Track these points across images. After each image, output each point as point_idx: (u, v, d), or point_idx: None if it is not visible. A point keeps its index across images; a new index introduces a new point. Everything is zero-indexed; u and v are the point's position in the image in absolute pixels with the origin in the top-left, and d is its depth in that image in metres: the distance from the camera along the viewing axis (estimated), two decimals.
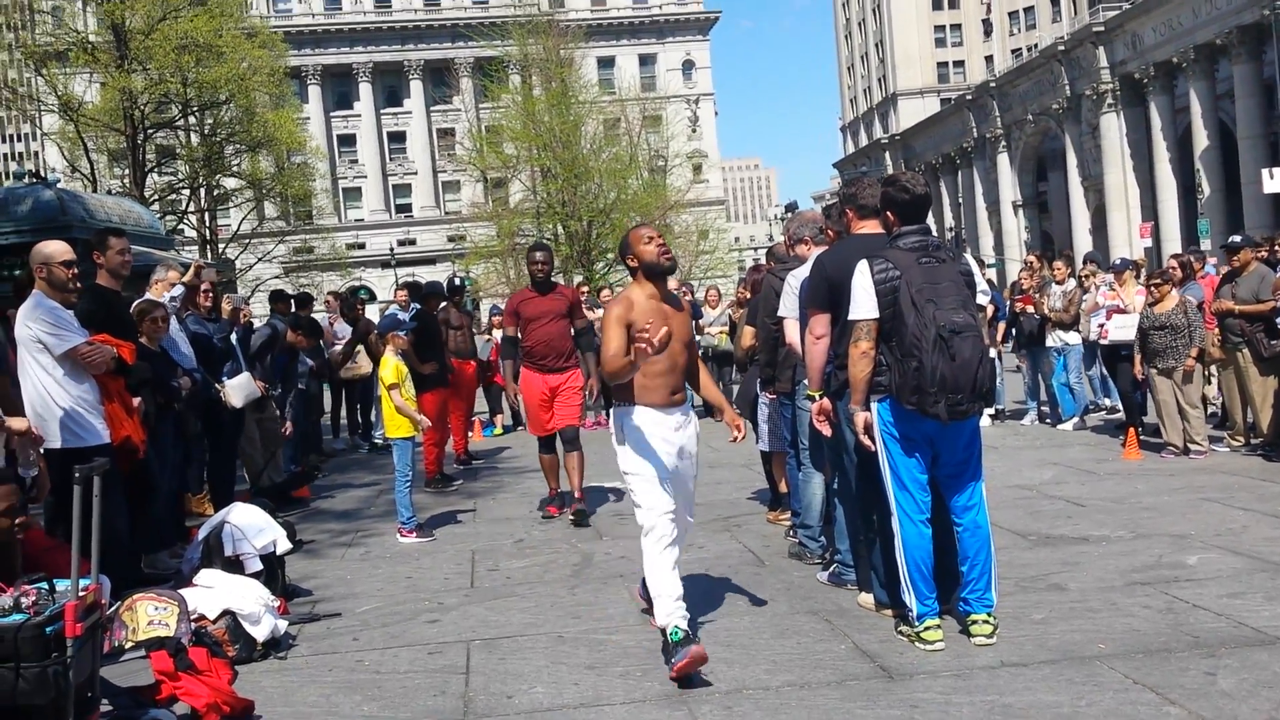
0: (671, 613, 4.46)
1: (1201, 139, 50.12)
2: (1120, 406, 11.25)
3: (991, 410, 12.10)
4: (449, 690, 4.45)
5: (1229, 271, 9.51)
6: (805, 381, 5.59)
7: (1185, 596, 5.15)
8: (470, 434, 12.65)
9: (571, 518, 7.85)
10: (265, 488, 8.97)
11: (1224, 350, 9.43)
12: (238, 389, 8.45)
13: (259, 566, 5.65)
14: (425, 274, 47.68)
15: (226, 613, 4.88)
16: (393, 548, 7.42)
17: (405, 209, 68.95)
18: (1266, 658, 4.28)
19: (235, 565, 5.60)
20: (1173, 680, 4.09)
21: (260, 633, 4.91)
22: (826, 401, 5.20)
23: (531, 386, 8.07)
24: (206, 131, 37.59)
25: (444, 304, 11.70)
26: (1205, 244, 37.42)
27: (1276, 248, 9.91)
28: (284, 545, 5.88)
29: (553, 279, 8.39)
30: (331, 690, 4.52)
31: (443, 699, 4.36)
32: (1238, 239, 9.92)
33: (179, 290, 8.14)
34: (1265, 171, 40.08)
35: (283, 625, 5.14)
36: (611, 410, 4.95)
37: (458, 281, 13.51)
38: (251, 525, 5.76)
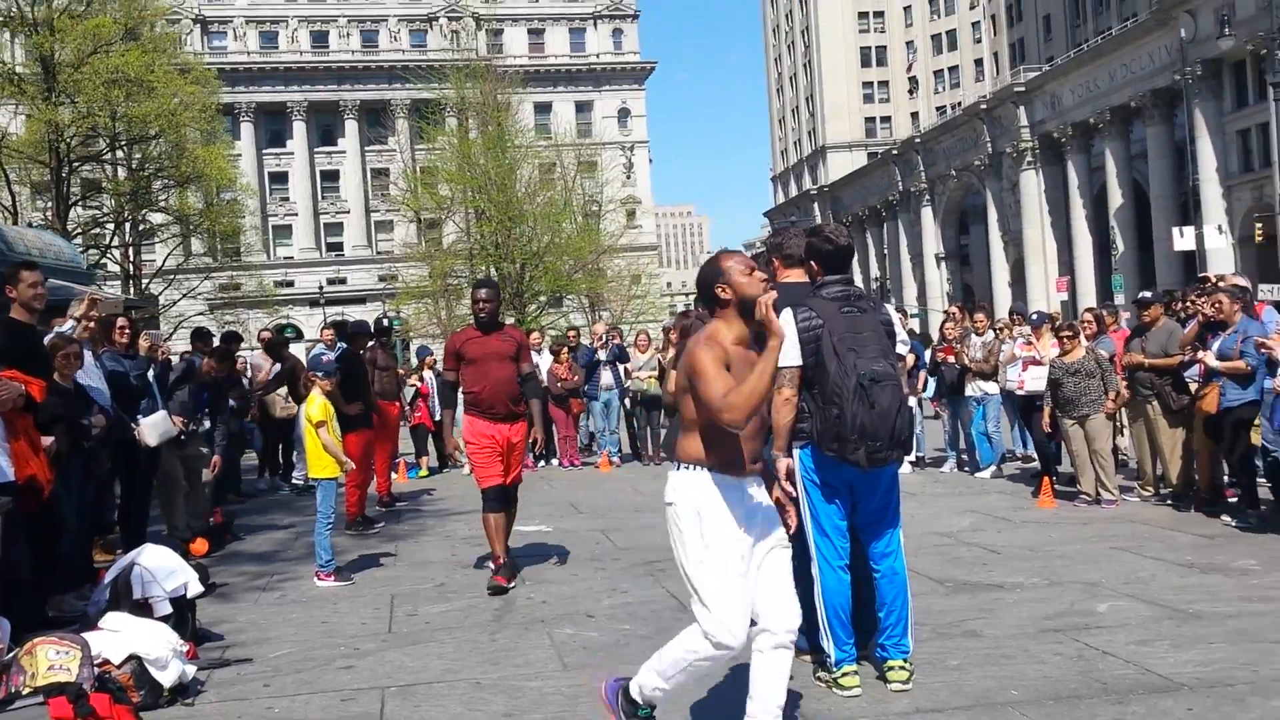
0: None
1: (1116, 197, 51.91)
2: (1036, 456, 11.50)
3: (912, 457, 12.31)
4: None
5: (1138, 326, 9.82)
6: None
7: (1096, 644, 5.25)
8: (395, 475, 12.48)
9: (491, 588, 6.97)
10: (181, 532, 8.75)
11: (1134, 403, 9.71)
12: (153, 427, 8.26)
13: (168, 610, 5.48)
14: (356, 313, 47.15)
15: (132, 657, 4.73)
16: (310, 591, 7.26)
17: (337, 247, 68.34)
18: (1171, 704, 4.38)
19: (144, 609, 5.43)
20: None
21: (167, 678, 4.77)
22: None
23: (481, 436, 7.26)
24: (134, 166, 36.98)
25: (371, 344, 11.58)
26: (1120, 299, 38.60)
27: (1186, 304, 10.25)
28: (195, 588, 5.72)
29: (499, 318, 7.69)
30: None
31: None
32: (1148, 294, 10.27)
33: (69, 325, 7.90)
34: (1176, 230, 41.62)
35: (191, 670, 5.00)
36: (676, 478, 3.91)
37: (386, 322, 13.30)
38: (162, 567, 5.60)
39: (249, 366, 14.06)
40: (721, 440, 3.72)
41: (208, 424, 10.11)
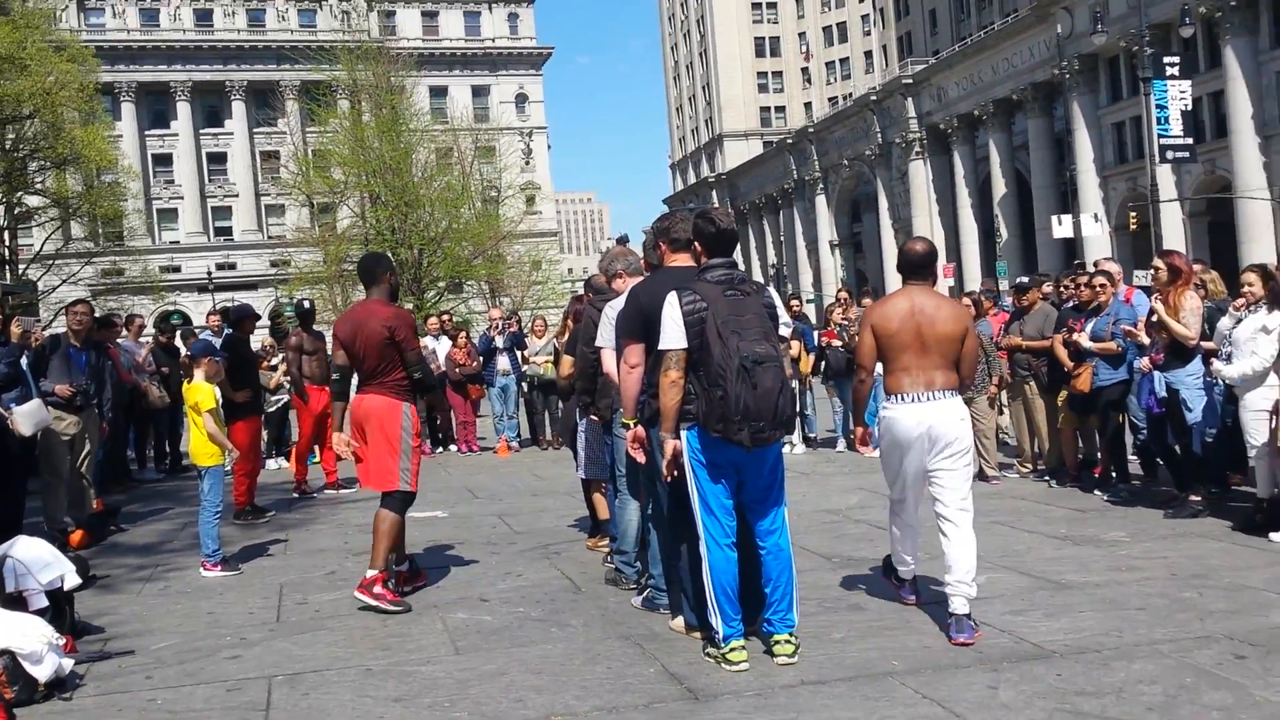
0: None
1: (1000, 186, 53.64)
2: None
3: (798, 437, 12.58)
4: None
5: (1018, 309, 10.18)
6: (621, 410, 5.69)
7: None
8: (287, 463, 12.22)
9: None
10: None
11: (1012, 383, 10.08)
12: (27, 416, 7.97)
13: (44, 603, 5.31)
14: (246, 299, 45.92)
15: (4, 652, 4.56)
16: (195, 582, 7.09)
17: (225, 232, 66.47)
18: (1043, 670, 4.58)
19: (18, 602, 5.24)
20: (958, 694, 4.33)
21: (42, 673, 4.62)
22: (641, 429, 5.29)
23: None
24: (7, 146, 35.39)
25: (296, 328, 11.47)
26: (1003, 284, 39.85)
27: (1063, 288, 10.66)
28: (73, 580, 5.54)
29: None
30: None
31: None
32: (1025, 280, 10.65)
33: None
34: (1055, 218, 43.18)
35: (68, 664, 4.85)
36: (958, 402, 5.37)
37: (307, 304, 12.44)
38: (37, 559, 5.41)
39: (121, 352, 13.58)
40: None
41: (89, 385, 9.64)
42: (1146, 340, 8.09)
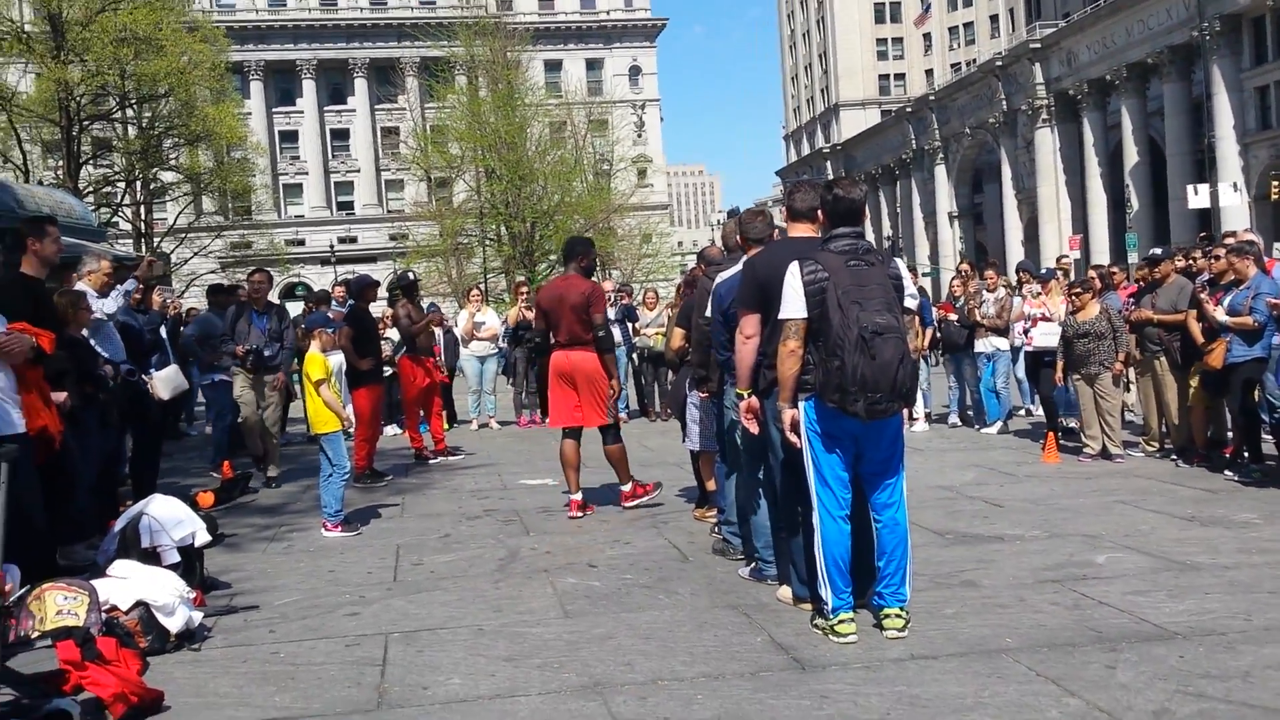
0: None
1: (1132, 155, 51.39)
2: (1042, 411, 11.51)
3: (921, 413, 12.33)
4: (364, 681, 4.44)
5: (1150, 282, 9.77)
6: (733, 381, 5.67)
7: (1092, 594, 5.29)
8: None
9: None
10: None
11: (1141, 359, 9.69)
12: (165, 381, 8.36)
13: (176, 559, 5.58)
14: (366, 271, 47.18)
15: (140, 604, 4.81)
16: (316, 541, 7.36)
17: (347, 206, 68.27)
18: (1164, 651, 4.43)
19: (152, 557, 5.53)
20: (1074, 673, 4.21)
21: (174, 624, 4.85)
22: (755, 400, 5.27)
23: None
24: (144, 124, 36.96)
25: (403, 301, 11.68)
26: (1133, 257, 38.34)
27: (1193, 260, 10.20)
28: (203, 538, 5.82)
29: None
30: (244, 681, 4.50)
31: (357, 690, 4.35)
32: (1158, 251, 10.22)
33: (130, 284, 8.11)
34: (1190, 188, 41.30)
35: (198, 617, 5.08)
36: None
37: (411, 276, 12.80)
38: (170, 517, 5.69)
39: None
40: None
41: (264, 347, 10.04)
42: None
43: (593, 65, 69.60)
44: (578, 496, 7.93)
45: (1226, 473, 8.44)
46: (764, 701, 4.06)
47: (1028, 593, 5.38)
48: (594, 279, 8.30)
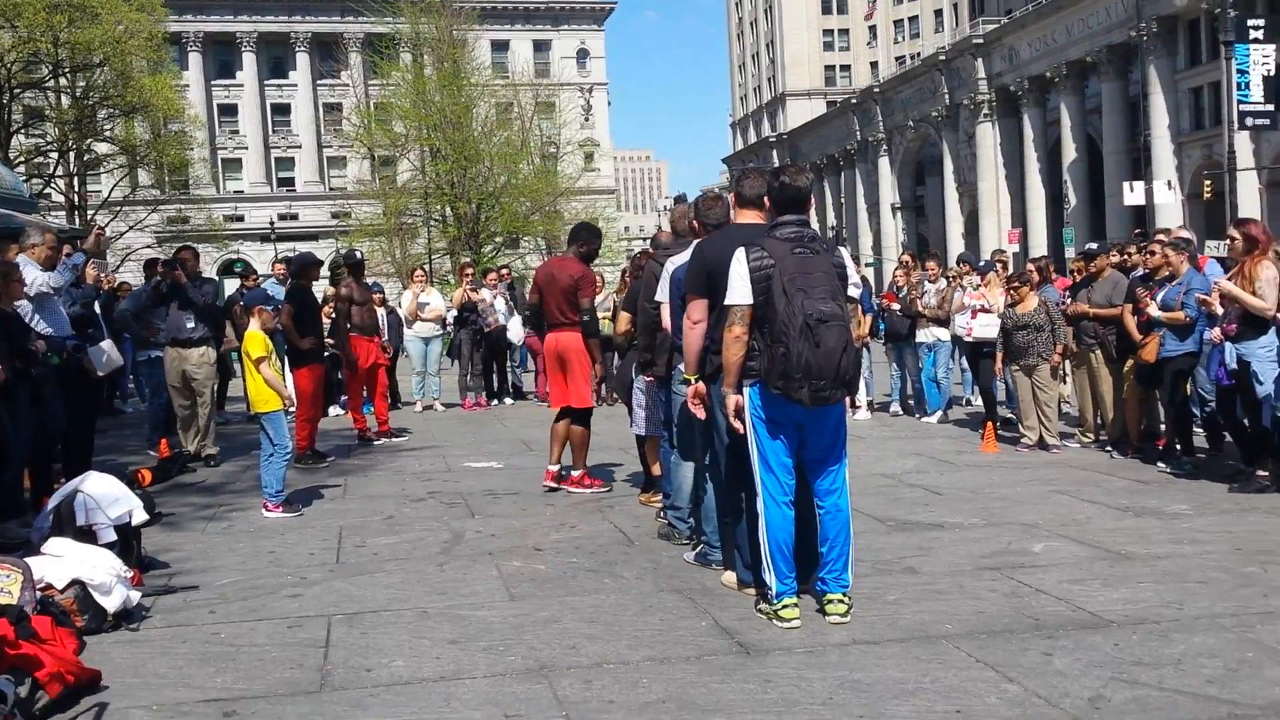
0: None
1: (1070, 151, 52.34)
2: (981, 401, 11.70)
3: (868, 399, 12.49)
4: (306, 663, 4.39)
5: (1086, 276, 9.97)
6: (681, 365, 5.68)
7: (1029, 581, 5.40)
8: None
9: None
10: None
11: (1077, 351, 9.89)
12: (100, 356, 8.16)
13: (113, 537, 5.47)
14: (307, 249, 46.51)
15: (75, 582, 4.71)
16: (257, 522, 7.25)
17: (288, 183, 67.09)
18: (1099, 639, 4.53)
19: (88, 535, 5.40)
20: (1012, 659, 4.29)
21: (111, 603, 4.76)
22: (701, 385, 5.29)
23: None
24: (78, 94, 36.01)
25: (346, 279, 11.55)
26: (1070, 251, 39.06)
27: (1128, 256, 10.41)
28: (140, 516, 5.70)
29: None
30: (184, 662, 4.43)
31: (299, 671, 4.30)
32: (1094, 246, 10.43)
33: (79, 258, 7.92)
34: (1126, 185, 42.14)
35: (135, 596, 4.99)
36: None
37: (358, 255, 12.81)
38: (106, 495, 5.57)
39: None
40: None
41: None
42: (1220, 310, 7.88)
43: (540, 47, 69.07)
44: (554, 468, 8.11)
45: (1159, 464, 8.64)
46: (709, 685, 4.09)
47: (967, 580, 5.48)
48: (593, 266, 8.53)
